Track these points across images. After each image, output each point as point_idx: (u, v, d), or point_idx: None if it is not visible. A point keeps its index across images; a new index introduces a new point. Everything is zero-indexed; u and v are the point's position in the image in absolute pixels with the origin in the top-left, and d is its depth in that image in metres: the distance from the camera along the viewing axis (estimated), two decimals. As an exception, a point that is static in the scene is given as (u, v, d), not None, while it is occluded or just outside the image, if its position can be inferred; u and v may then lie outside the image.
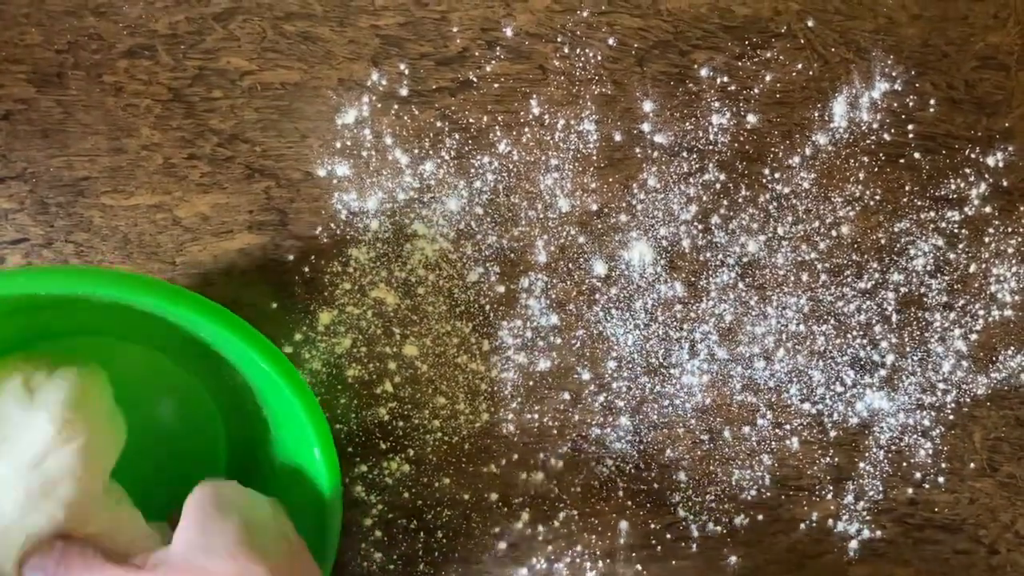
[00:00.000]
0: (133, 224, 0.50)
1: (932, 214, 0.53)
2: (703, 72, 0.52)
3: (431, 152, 0.51)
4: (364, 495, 0.52)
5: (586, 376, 0.54)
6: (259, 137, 0.50)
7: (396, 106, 0.51)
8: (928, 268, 0.54)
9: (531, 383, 0.53)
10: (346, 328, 0.51)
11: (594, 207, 0.53)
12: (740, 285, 0.53)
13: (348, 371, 0.51)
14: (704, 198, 0.53)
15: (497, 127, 0.51)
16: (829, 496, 0.54)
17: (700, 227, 0.53)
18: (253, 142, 0.50)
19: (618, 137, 0.52)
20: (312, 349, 0.51)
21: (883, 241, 0.54)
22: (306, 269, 0.51)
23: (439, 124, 0.51)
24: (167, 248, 0.50)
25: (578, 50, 0.51)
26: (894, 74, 0.53)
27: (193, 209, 0.50)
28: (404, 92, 0.51)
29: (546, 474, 0.53)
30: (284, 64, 0.50)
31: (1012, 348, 0.55)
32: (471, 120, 0.51)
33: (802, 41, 0.53)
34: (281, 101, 0.50)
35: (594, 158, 0.52)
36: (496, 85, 0.51)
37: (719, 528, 0.54)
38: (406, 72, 0.51)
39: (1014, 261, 0.54)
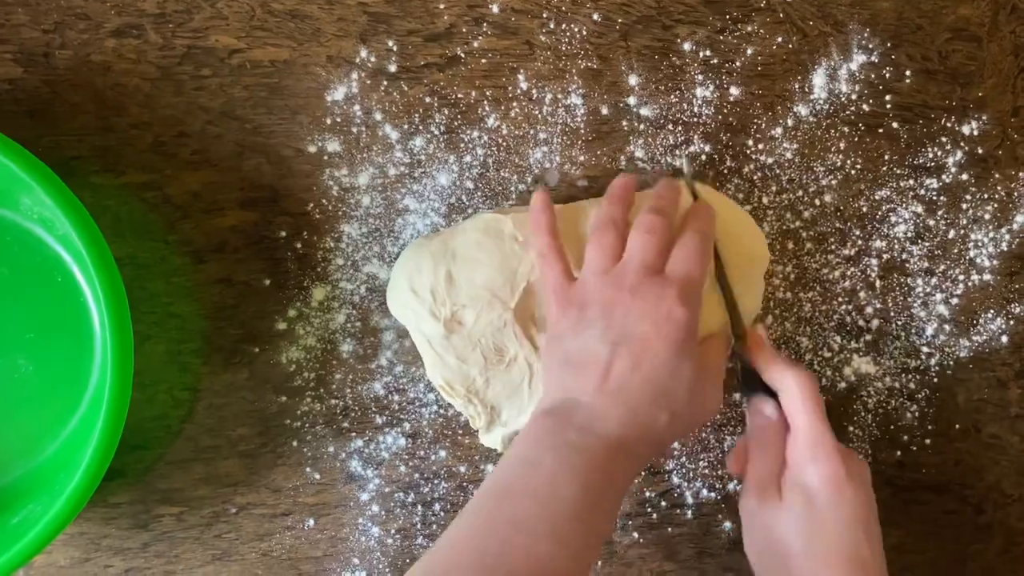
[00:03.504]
0: (123, 203, 0.50)
1: (911, 182, 0.54)
2: (686, 46, 0.52)
3: (421, 127, 0.51)
4: (361, 469, 0.52)
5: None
6: (249, 114, 0.50)
7: (385, 82, 0.51)
8: (909, 235, 0.54)
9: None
10: (340, 303, 0.51)
11: (583, 181, 0.53)
12: (727, 254, 0.53)
13: (343, 346, 0.51)
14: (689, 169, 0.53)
15: (486, 102, 0.52)
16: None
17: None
18: (243, 119, 0.50)
19: (605, 111, 0.52)
20: (307, 325, 0.51)
21: (865, 209, 0.54)
22: (299, 245, 0.51)
23: (428, 100, 0.51)
24: (158, 226, 0.50)
25: (563, 25, 0.52)
26: (871, 46, 0.53)
27: (184, 187, 0.50)
28: (393, 68, 0.51)
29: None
30: (273, 42, 0.50)
31: (992, 311, 0.55)
32: (460, 95, 0.51)
33: (781, 15, 0.53)
34: (270, 79, 0.50)
35: (582, 131, 0.52)
36: (484, 60, 0.51)
37: (713, 495, 0.54)
38: (394, 49, 0.51)
39: (991, 227, 0.54)
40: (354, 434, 0.52)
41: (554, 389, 0.43)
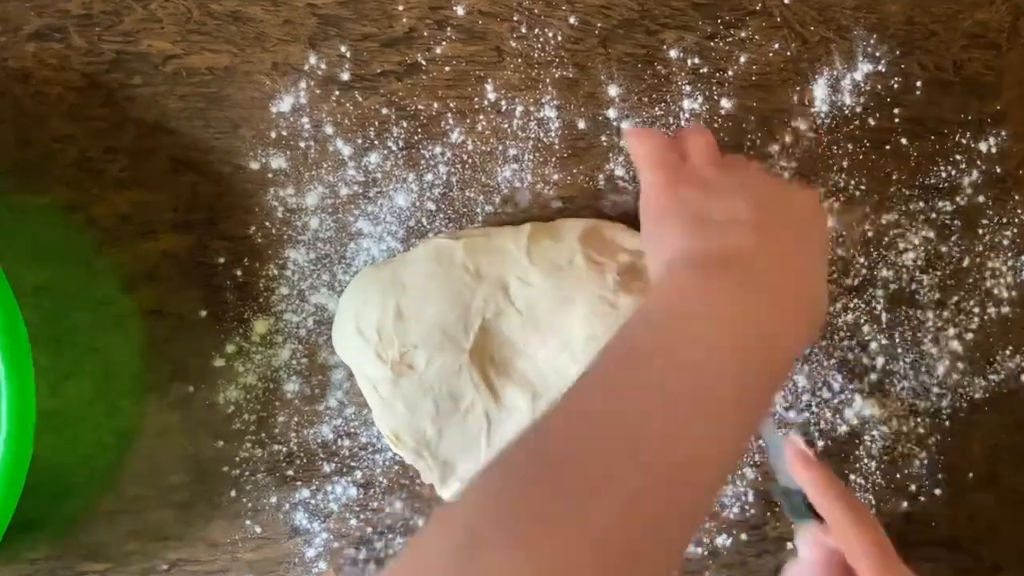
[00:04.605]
0: (44, 224, 0.47)
1: (922, 204, 0.51)
2: (672, 53, 0.49)
3: (376, 142, 0.48)
4: (307, 522, 0.49)
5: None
6: (185, 127, 0.47)
7: (337, 92, 0.47)
8: (919, 263, 0.51)
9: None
10: (284, 338, 0.48)
11: (557, 202, 0.49)
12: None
13: (287, 385, 0.48)
14: (676, 189, 0.49)
15: (449, 114, 0.48)
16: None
17: None
18: (178, 133, 0.47)
19: (582, 124, 0.49)
20: (247, 361, 0.48)
21: (870, 234, 0.51)
22: (238, 273, 0.48)
23: (385, 111, 0.48)
24: (83, 251, 0.47)
25: (536, 30, 0.48)
26: (878, 54, 0.50)
27: (112, 208, 0.47)
28: (345, 77, 0.47)
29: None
30: (212, 47, 0.47)
31: (1010, 348, 0.52)
32: (420, 107, 0.48)
33: (778, 19, 0.49)
34: (209, 88, 0.47)
35: (556, 147, 0.49)
36: (447, 68, 0.48)
37: (700, 550, 0.51)
38: (347, 55, 0.47)
39: (1010, 254, 0.52)
40: (299, 483, 0.48)
41: (687, 248, 0.35)
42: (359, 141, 0.48)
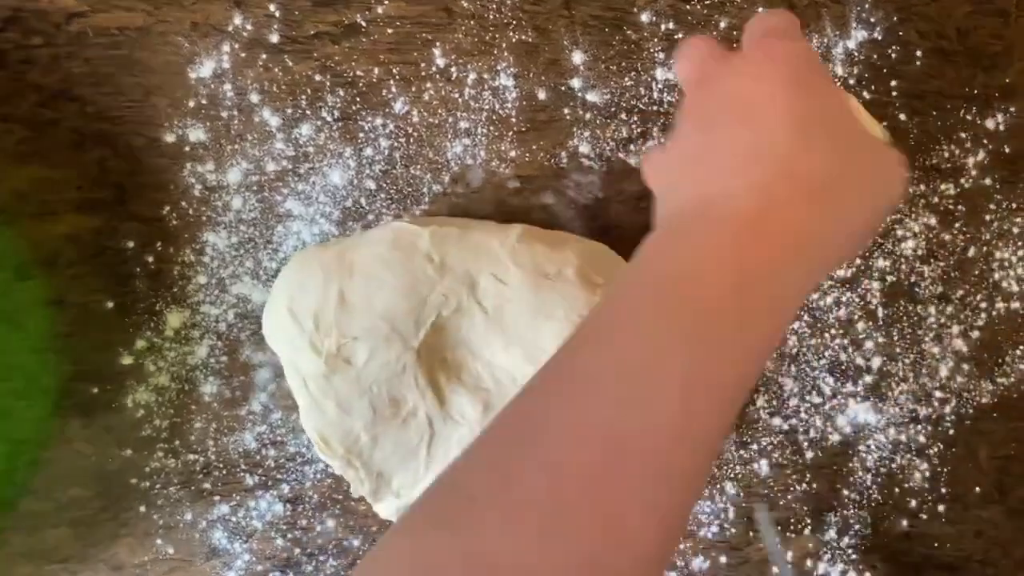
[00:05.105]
0: None
1: (922, 187, 0.48)
2: (644, 17, 0.45)
3: (308, 112, 0.44)
4: (227, 542, 0.46)
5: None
6: (91, 95, 0.44)
7: (264, 56, 0.44)
8: (919, 252, 0.48)
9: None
10: (202, 332, 0.45)
11: (514, 182, 0.45)
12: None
13: (204, 387, 0.45)
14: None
15: (392, 82, 0.44)
16: (807, 531, 0.49)
17: (644, 205, 0.46)
18: (84, 101, 0.44)
19: (542, 95, 0.45)
20: (159, 359, 0.45)
21: None
22: (150, 259, 0.44)
23: (318, 78, 0.44)
24: None
25: None
26: (873, 20, 0.47)
27: (7, 184, 0.43)
28: (274, 39, 0.44)
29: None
30: (123, 4, 0.44)
31: (1020, 347, 0.49)
32: (359, 73, 0.44)
33: None
34: (119, 50, 0.44)
35: (513, 120, 0.45)
36: (390, 30, 0.44)
37: (674, 574, 0.48)
38: (276, 14, 0.44)
39: (1020, 243, 0.49)
40: (218, 498, 0.45)
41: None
42: (289, 111, 0.44)
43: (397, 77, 0.44)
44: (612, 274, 0.42)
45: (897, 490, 0.48)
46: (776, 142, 0.29)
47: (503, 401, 0.39)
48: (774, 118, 0.29)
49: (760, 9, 0.46)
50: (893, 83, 0.47)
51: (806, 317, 0.47)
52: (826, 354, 0.47)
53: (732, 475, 0.47)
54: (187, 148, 0.43)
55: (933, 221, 0.48)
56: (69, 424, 0.44)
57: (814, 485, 0.47)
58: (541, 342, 0.40)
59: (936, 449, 0.48)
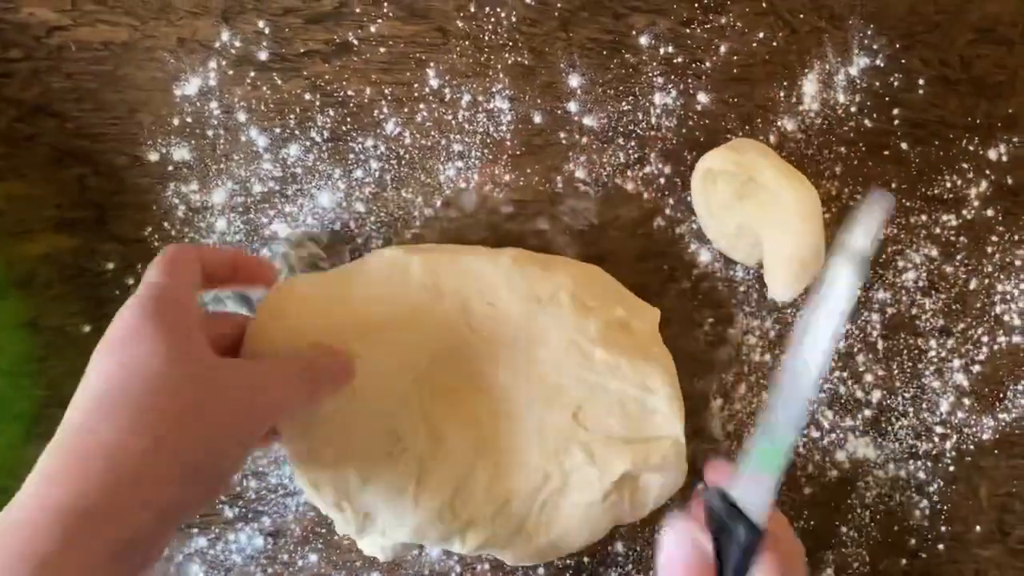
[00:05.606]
0: None
1: (924, 218, 0.47)
2: (643, 40, 0.44)
3: (297, 132, 0.43)
4: None
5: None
6: (72, 111, 0.42)
7: (253, 73, 0.43)
8: (920, 284, 0.47)
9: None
10: None
11: (508, 206, 0.44)
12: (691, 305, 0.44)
13: None
14: (645, 195, 0.44)
15: (384, 102, 0.43)
16: (804, 569, 0.45)
17: (641, 232, 0.45)
18: (64, 117, 0.42)
19: (538, 118, 0.44)
20: None
21: None
22: (130, 281, 0.43)
23: (308, 97, 0.43)
24: None
25: (487, 8, 0.43)
26: (876, 47, 0.46)
27: None
28: (263, 56, 0.42)
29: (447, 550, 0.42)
30: (107, 18, 0.42)
31: (1023, 382, 0.48)
32: (350, 93, 0.43)
33: (764, 5, 0.45)
34: (102, 65, 0.42)
35: (508, 143, 0.44)
36: (383, 50, 0.43)
37: None
38: (266, 31, 0.42)
39: (1022, 275, 0.48)
40: (195, 530, 0.43)
41: None
42: (277, 130, 0.42)
43: (389, 97, 0.42)
44: (606, 297, 0.40)
45: (896, 528, 0.46)
46: None
47: (495, 435, 0.38)
48: None
49: (759, 35, 0.44)
50: (895, 111, 0.46)
51: (805, 349, 0.46)
52: (825, 387, 0.46)
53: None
54: (171, 167, 0.42)
55: (934, 252, 0.46)
56: (41, 452, 0.42)
57: (812, 522, 0.46)
58: (536, 368, 0.38)
59: (936, 486, 0.47)
